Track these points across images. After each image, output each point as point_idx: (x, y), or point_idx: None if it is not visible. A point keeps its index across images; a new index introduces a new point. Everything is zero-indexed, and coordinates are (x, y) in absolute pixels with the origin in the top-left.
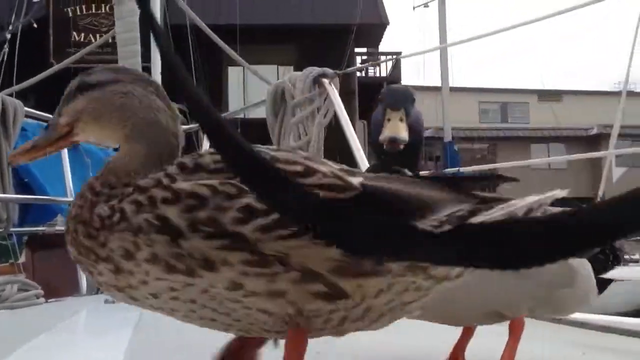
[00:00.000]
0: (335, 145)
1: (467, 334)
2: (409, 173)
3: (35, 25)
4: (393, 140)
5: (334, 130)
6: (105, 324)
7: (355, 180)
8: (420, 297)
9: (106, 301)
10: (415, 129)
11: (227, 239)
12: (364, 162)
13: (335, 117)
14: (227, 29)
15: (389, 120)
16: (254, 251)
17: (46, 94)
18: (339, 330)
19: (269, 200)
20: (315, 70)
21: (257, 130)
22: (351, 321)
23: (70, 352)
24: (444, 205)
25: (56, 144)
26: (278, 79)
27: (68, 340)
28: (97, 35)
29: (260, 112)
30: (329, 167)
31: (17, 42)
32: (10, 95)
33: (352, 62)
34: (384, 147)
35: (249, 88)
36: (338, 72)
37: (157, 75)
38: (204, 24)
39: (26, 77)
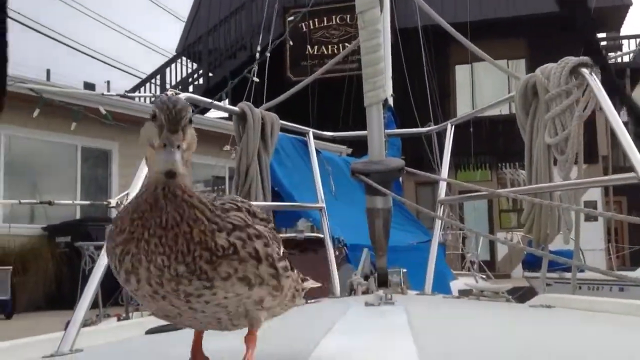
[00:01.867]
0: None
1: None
2: None
3: (291, 43)
4: None
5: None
6: (379, 325)
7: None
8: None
9: (366, 303)
10: None
11: None
12: (635, 157)
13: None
14: (455, 26)
15: None
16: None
17: (284, 104)
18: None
19: None
20: (572, 60)
21: (490, 127)
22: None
23: (363, 350)
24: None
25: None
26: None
27: (354, 339)
28: (329, 47)
29: (491, 111)
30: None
31: (267, 60)
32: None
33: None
34: None
35: (476, 86)
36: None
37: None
38: (444, 22)
39: (267, 92)
